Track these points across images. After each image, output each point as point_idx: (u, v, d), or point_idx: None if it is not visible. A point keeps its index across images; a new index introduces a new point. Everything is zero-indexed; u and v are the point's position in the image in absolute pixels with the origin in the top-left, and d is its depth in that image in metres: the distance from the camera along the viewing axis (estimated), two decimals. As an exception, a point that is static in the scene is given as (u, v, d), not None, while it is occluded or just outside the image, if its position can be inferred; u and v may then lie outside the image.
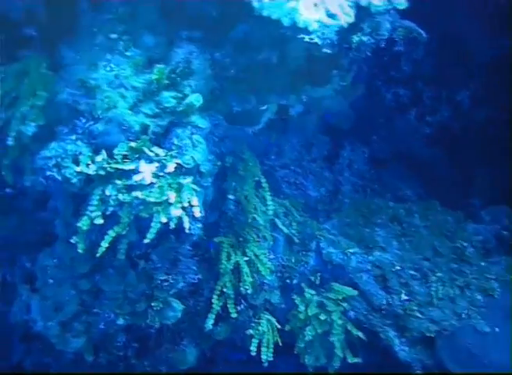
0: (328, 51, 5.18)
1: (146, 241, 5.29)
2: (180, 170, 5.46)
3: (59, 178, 5.36)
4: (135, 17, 5.81)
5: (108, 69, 5.63)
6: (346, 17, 5.10)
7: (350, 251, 6.99)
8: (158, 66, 5.53)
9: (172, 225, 5.33)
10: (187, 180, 5.41)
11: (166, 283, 6.35)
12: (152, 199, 5.23)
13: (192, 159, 5.51)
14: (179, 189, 5.35)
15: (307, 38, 5.02)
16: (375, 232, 7.20)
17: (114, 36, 5.78)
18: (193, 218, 5.50)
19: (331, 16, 5.03)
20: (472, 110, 7.81)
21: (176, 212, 5.27)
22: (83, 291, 6.41)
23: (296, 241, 7.19)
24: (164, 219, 5.28)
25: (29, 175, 5.77)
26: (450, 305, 6.59)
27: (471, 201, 7.87)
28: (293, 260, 7.16)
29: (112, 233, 5.40)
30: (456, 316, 6.53)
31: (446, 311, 6.56)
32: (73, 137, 5.46)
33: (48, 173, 5.39)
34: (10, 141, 5.45)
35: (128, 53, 5.74)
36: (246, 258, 6.60)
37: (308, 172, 8.18)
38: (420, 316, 6.57)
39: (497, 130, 7.51)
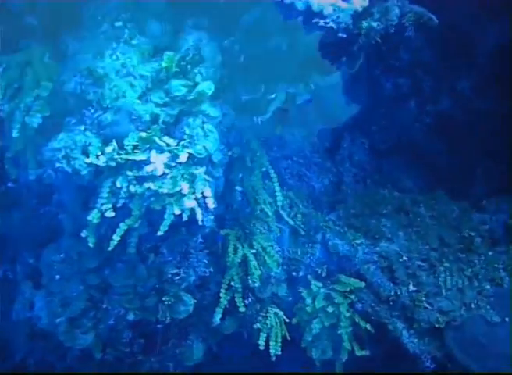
0: (344, 35, 5.07)
1: (159, 233, 5.16)
2: (192, 160, 5.33)
3: (69, 170, 5.21)
4: (140, 4, 5.66)
5: (114, 57, 5.50)
6: (361, 1, 4.99)
7: (357, 242, 6.88)
8: (168, 53, 5.37)
9: (185, 217, 5.20)
10: (200, 171, 5.28)
11: (177, 277, 6.22)
12: (165, 190, 5.10)
13: (204, 149, 5.39)
14: (191, 180, 5.23)
15: (321, 22, 4.91)
16: (381, 223, 7.10)
17: (119, 24, 5.63)
18: (205, 209, 5.36)
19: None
20: (474, 99, 7.71)
21: (189, 203, 5.15)
22: (91, 287, 6.27)
23: (302, 232, 7.08)
24: (177, 211, 5.15)
25: (33, 168, 5.62)
26: (459, 296, 6.50)
27: (473, 190, 7.78)
28: (298, 252, 7.06)
29: (123, 226, 5.28)
30: (464, 306, 6.44)
31: (454, 301, 6.48)
32: (82, 127, 5.33)
33: (57, 164, 5.24)
34: (15, 133, 5.28)
35: (134, 41, 5.61)
36: (253, 251, 6.47)
37: (311, 163, 8.06)
38: (428, 306, 6.47)
39: (499, 119, 7.42)
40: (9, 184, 6.20)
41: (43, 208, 6.37)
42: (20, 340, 7.12)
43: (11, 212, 6.46)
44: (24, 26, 5.49)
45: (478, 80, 7.33)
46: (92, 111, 5.19)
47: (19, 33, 5.45)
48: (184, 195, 5.01)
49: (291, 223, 6.98)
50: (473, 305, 6.26)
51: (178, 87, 5.28)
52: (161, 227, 5.02)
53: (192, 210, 5.10)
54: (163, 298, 6.21)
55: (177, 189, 4.99)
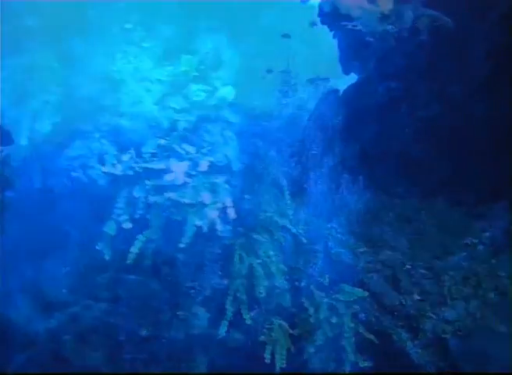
0: (371, 39, 4.93)
1: (181, 245, 4.93)
2: (213, 168, 5.12)
3: (85, 179, 4.96)
4: (150, 5, 5.45)
5: (125, 61, 5.25)
6: (387, 3, 4.86)
7: (360, 250, 6.74)
8: (186, 56, 5.16)
9: (205, 228, 5.00)
10: (221, 179, 5.07)
11: (193, 291, 5.98)
12: (187, 200, 4.88)
13: (225, 157, 5.18)
14: (213, 189, 5.02)
15: (349, 25, 4.76)
16: (384, 230, 6.97)
17: (129, 26, 5.40)
18: (223, 219, 5.17)
19: (372, 1, 4.79)
20: (467, 105, 7.65)
21: (212, 213, 4.94)
22: (101, 301, 6.00)
23: (304, 240, 6.88)
24: (198, 222, 4.93)
25: (39, 177, 5.37)
26: (464, 305, 6.40)
27: (467, 196, 7.70)
28: (301, 261, 6.87)
29: (141, 238, 5.04)
30: (470, 316, 6.34)
31: (459, 311, 6.37)
32: (97, 134, 5.06)
33: (74, 173, 4.98)
34: (23, 141, 5.02)
35: (145, 44, 5.37)
36: (259, 261, 6.26)
37: (308, 169, 7.89)
38: (433, 316, 6.36)
39: (491, 125, 7.37)
40: (7, 193, 5.86)
41: (45, 218, 6.05)
42: (16, 353, 6.79)
43: (11, 221, 6.13)
44: (29, 28, 5.20)
45: (472, 86, 7.24)
46: (108, 117, 4.94)
47: (23, 35, 5.16)
48: (206, 205, 4.77)
49: (293, 230, 6.78)
50: (478, 315, 6.11)
51: (197, 91, 5.05)
52: (183, 239, 4.79)
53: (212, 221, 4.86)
54: (177, 313, 5.96)
55: (199, 199, 4.75)
